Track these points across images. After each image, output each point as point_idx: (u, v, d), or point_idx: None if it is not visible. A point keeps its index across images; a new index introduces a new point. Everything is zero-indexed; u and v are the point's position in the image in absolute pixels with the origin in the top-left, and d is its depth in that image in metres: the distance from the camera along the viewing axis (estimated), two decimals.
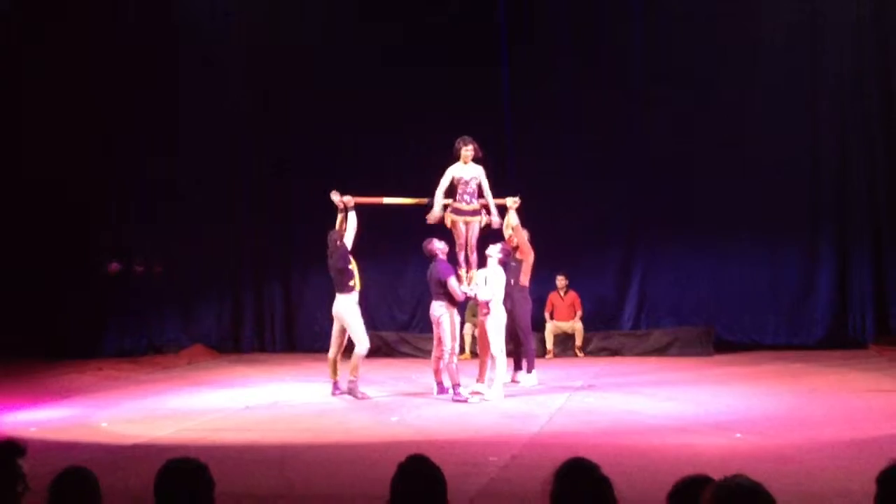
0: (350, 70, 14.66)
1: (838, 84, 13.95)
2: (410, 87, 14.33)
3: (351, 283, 10.63)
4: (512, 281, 10.87)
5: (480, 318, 10.70)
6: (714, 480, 2.77)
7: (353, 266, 10.67)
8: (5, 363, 13.12)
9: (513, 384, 11.16)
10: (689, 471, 3.06)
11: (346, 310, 10.61)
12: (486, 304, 10.44)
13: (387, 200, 11.36)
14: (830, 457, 7.29)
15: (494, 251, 10.57)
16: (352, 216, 10.66)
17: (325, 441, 8.47)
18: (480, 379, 10.69)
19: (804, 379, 11.27)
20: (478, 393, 10.45)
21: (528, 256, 11.33)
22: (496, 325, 10.44)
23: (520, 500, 6.18)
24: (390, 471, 3.38)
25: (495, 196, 11.00)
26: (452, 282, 10.33)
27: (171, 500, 3.23)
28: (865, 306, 13.83)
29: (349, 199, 10.74)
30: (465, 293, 10.54)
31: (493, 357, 10.46)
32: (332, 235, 10.80)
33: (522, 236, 11.30)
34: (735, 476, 2.62)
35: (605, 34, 14.62)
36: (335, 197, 10.78)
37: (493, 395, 10.33)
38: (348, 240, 10.61)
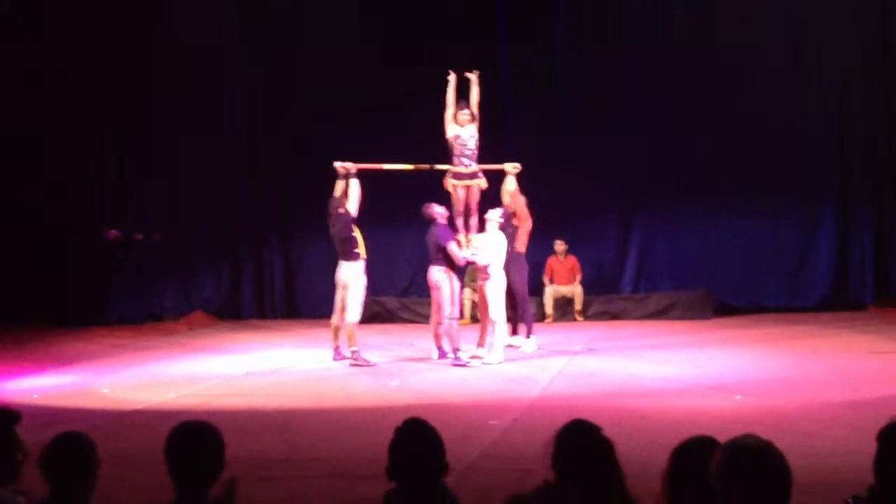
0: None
1: (838, 45, 13.86)
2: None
3: (357, 251, 10.56)
4: (509, 247, 10.85)
5: (480, 282, 10.68)
6: (717, 441, 2.76)
7: (357, 233, 10.62)
8: (7, 331, 13.14)
9: (512, 349, 11.18)
10: (690, 432, 3.05)
11: (353, 278, 10.54)
12: (486, 268, 10.42)
13: (387, 166, 11.32)
14: (831, 417, 7.33)
15: (495, 216, 10.54)
16: (354, 183, 10.59)
17: (326, 406, 8.52)
18: (480, 343, 10.69)
19: (804, 341, 11.30)
20: (478, 357, 10.47)
21: (525, 223, 11.29)
22: (496, 289, 10.43)
23: (521, 462, 6.20)
24: (391, 435, 3.39)
25: (494, 163, 10.93)
26: (452, 247, 10.31)
27: (182, 461, 3.22)
28: (865, 268, 13.86)
29: (351, 166, 10.69)
30: (466, 258, 10.52)
31: (492, 322, 10.46)
32: (332, 202, 10.72)
33: (520, 202, 11.25)
34: (745, 436, 2.61)
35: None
36: (336, 163, 10.75)
37: (493, 360, 10.35)
38: (352, 207, 10.52)
